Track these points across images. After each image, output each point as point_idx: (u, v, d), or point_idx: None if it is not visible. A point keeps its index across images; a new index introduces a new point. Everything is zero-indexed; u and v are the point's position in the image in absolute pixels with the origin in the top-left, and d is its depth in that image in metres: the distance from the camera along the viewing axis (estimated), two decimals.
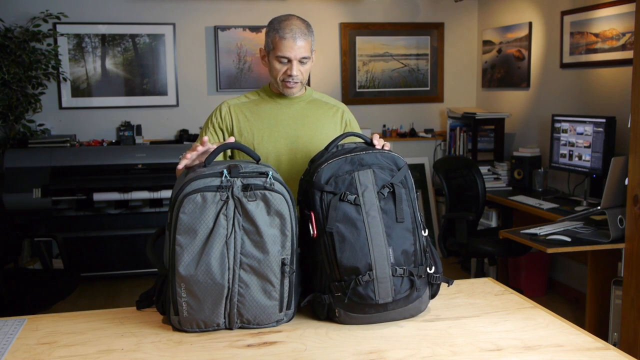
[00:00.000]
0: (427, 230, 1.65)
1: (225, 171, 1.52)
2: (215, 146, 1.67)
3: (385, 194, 1.59)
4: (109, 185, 4.56)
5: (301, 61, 1.95)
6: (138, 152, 4.70)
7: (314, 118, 2.06)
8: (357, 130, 2.10)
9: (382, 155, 1.65)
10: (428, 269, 1.61)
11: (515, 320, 1.62)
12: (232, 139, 1.80)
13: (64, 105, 5.04)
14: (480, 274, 4.23)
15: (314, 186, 1.59)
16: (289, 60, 1.94)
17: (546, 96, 4.73)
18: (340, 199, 1.57)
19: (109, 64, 5.09)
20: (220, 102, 2.09)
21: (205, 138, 1.69)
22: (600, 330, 3.32)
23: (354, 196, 1.57)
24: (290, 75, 1.95)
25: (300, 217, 1.61)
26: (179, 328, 1.55)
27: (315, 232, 1.57)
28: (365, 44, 5.52)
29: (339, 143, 1.75)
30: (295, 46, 1.91)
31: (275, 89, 2.05)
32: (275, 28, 1.94)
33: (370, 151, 1.64)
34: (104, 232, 4.78)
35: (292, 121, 2.03)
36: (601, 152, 3.81)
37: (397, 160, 1.65)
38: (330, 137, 2.04)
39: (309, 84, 5.39)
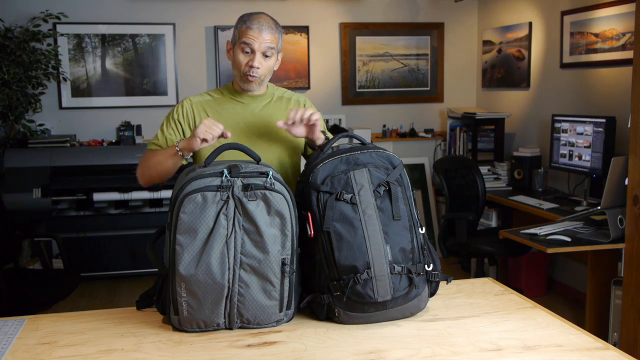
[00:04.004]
0: (424, 228, 1.65)
1: (225, 171, 1.52)
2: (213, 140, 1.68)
3: (381, 193, 1.59)
4: (109, 185, 4.56)
5: (265, 54, 1.93)
6: (138, 152, 4.69)
7: (276, 116, 2.02)
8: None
9: (377, 155, 1.65)
10: (426, 266, 1.61)
11: (515, 320, 1.62)
12: (228, 134, 1.80)
13: (64, 105, 5.04)
14: (480, 274, 4.23)
15: (310, 186, 1.60)
16: (252, 51, 1.91)
17: (546, 96, 4.73)
18: (337, 198, 1.57)
19: (109, 64, 5.09)
20: (182, 99, 2.07)
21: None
22: (600, 330, 3.32)
23: (350, 195, 1.57)
24: (252, 67, 1.92)
25: (298, 217, 1.61)
26: (179, 328, 1.55)
27: (313, 232, 1.57)
28: (365, 44, 5.52)
29: (334, 144, 1.74)
30: (261, 37, 1.90)
31: (238, 87, 2.02)
32: (244, 20, 1.93)
33: (366, 151, 1.65)
34: (104, 232, 4.78)
35: (254, 120, 2.01)
36: (601, 152, 3.81)
37: (392, 159, 1.66)
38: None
39: (309, 84, 5.39)
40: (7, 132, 4.71)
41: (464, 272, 5.00)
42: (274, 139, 2.00)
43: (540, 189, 4.46)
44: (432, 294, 1.68)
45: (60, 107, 5.04)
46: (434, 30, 5.65)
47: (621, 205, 3.10)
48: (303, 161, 1.99)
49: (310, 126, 1.85)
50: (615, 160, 3.19)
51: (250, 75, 1.94)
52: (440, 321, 1.62)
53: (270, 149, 1.99)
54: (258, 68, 1.92)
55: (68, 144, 4.70)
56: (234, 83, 2.05)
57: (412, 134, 5.60)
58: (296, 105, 2.08)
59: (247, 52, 1.92)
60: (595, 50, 4.13)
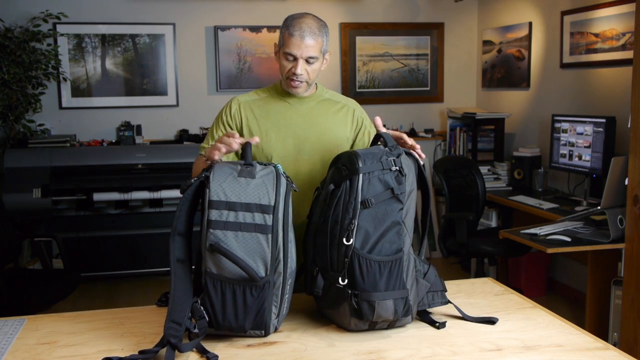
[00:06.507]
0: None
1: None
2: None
3: None
4: (109, 185, 4.56)
5: (308, 60, 1.91)
6: (138, 152, 4.69)
7: (323, 118, 2.02)
8: (369, 125, 2.07)
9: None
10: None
11: (515, 320, 1.62)
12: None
13: (64, 105, 5.04)
14: (480, 274, 4.23)
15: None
16: (295, 58, 1.90)
17: (546, 96, 4.73)
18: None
19: (109, 64, 5.09)
20: (231, 98, 2.05)
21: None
22: (600, 330, 3.32)
23: None
24: (294, 74, 1.92)
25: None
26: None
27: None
28: (365, 44, 5.52)
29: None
30: (302, 44, 1.88)
31: (285, 87, 2.02)
32: (287, 25, 1.91)
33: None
34: (104, 232, 4.78)
35: (300, 121, 2.00)
36: (601, 152, 3.81)
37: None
38: (340, 137, 2.03)
39: None
40: (7, 132, 4.71)
41: (464, 272, 5.00)
42: (319, 140, 2.00)
43: (540, 189, 4.46)
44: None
45: (60, 107, 5.04)
46: (434, 30, 5.65)
47: (621, 205, 3.10)
48: None
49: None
50: (615, 160, 3.19)
51: (294, 81, 1.94)
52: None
53: (315, 150, 1.99)
54: (301, 74, 1.92)
55: (68, 144, 4.70)
56: (282, 83, 2.04)
57: (412, 134, 5.60)
58: (342, 111, 2.07)
59: (290, 60, 1.92)
60: (595, 50, 4.13)
